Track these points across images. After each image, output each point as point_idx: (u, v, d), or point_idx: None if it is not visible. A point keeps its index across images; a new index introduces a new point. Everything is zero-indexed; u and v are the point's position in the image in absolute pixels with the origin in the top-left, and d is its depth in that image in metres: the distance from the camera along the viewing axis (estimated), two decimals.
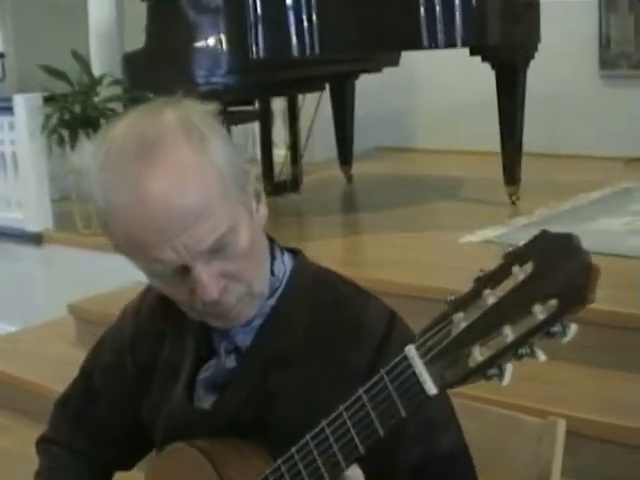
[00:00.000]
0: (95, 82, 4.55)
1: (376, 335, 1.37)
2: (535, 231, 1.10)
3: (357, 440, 1.14)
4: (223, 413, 1.43)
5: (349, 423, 1.15)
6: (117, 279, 4.25)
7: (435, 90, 6.12)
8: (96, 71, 4.73)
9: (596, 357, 2.95)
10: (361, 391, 1.13)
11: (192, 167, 1.26)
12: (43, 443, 1.71)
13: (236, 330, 1.42)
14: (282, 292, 1.43)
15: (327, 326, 1.40)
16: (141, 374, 1.56)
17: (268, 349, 1.42)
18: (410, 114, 6.41)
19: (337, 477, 1.19)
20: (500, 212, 4.31)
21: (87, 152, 1.32)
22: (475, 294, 1.06)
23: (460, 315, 1.07)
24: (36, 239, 4.81)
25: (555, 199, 4.41)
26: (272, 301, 1.42)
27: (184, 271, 1.29)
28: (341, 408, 1.15)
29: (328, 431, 1.17)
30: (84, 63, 4.62)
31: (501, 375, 1.05)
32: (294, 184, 5.09)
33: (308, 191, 5.14)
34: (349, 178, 5.35)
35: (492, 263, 1.13)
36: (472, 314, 1.06)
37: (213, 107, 1.34)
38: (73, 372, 3.98)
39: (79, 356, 4.03)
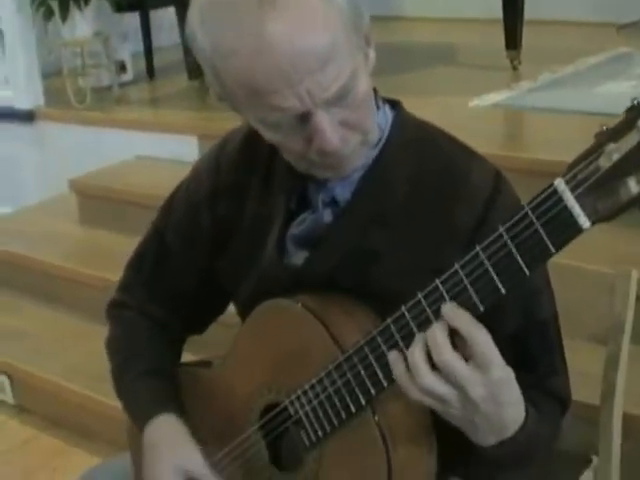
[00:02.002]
0: None
1: (483, 193, 1.33)
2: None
3: (497, 281, 1.10)
4: (317, 270, 1.39)
5: (488, 264, 1.10)
6: (114, 154, 4.19)
7: None
8: None
9: None
10: (502, 229, 1.08)
11: (316, 8, 1.19)
12: (115, 308, 1.66)
13: (335, 182, 1.37)
14: (384, 144, 1.38)
15: (430, 183, 1.36)
16: (221, 230, 1.51)
17: (368, 204, 1.37)
18: None
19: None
20: (502, 77, 4.24)
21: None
22: (629, 123, 1.01)
23: (612, 146, 1.02)
24: (27, 117, 4.67)
25: (555, 64, 4.34)
26: (374, 153, 1.37)
27: (303, 119, 1.23)
28: (478, 248, 1.11)
29: (462, 274, 1.13)
30: None
31: None
32: None
33: None
34: None
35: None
36: (626, 144, 1.01)
37: None
38: (80, 249, 3.99)
39: (84, 233, 4.07)
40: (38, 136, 4.71)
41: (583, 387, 1.58)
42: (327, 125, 1.24)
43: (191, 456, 1.46)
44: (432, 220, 1.34)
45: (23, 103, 4.68)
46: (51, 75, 4.86)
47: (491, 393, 1.15)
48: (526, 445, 1.26)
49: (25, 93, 4.68)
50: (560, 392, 1.42)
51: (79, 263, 3.68)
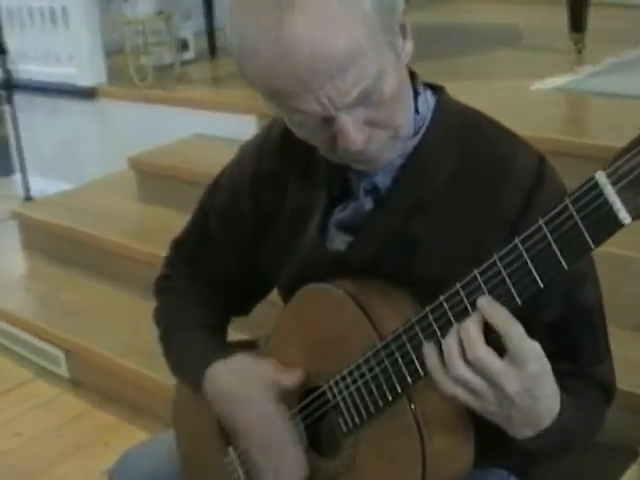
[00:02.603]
0: None
1: (527, 180, 1.30)
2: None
3: (536, 274, 1.08)
4: (359, 255, 1.39)
5: (526, 256, 1.09)
6: (174, 132, 4.20)
7: None
8: None
9: None
10: (541, 222, 1.07)
11: (336, 11, 1.15)
12: (163, 281, 1.69)
13: (376, 170, 1.36)
14: (425, 131, 1.36)
15: (473, 170, 1.34)
16: (262, 216, 1.51)
17: (409, 191, 1.36)
18: None
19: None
20: (566, 60, 4.17)
21: None
22: None
23: None
24: (89, 94, 4.72)
25: (619, 48, 4.26)
26: (415, 140, 1.35)
27: (326, 121, 1.22)
28: (517, 240, 1.09)
29: (500, 265, 1.12)
30: None
31: None
32: None
33: None
34: None
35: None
36: None
37: None
38: (138, 226, 4.03)
39: (142, 210, 4.11)
40: (99, 113, 4.75)
41: (629, 376, 1.57)
42: (350, 127, 1.22)
43: (265, 372, 1.42)
44: (475, 206, 1.32)
45: (86, 80, 4.73)
46: (113, 53, 4.90)
47: (527, 387, 1.13)
48: (564, 434, 1.25)
49: (88, 70, 4.72)
50: (605, 380, 1.40)
51: (137, 240, 3.71)
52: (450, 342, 1.14)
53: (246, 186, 1.53)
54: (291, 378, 1.39)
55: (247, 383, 1.42)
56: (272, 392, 1.40)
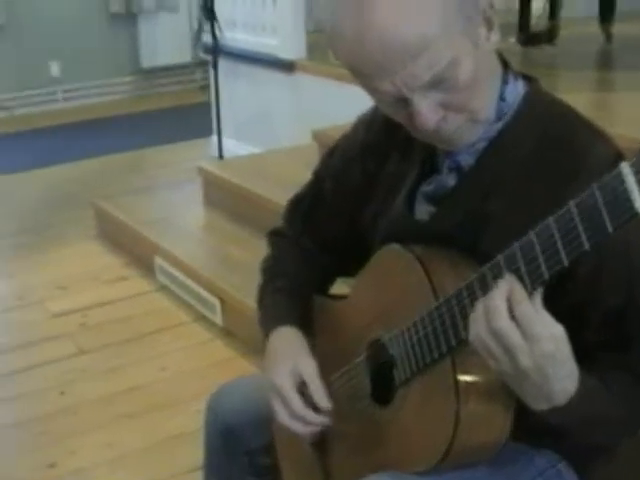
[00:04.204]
0: None
1: (597, 174, 1.35)
2: None
3: (563, 253, 1.16)
4: (439, 226, 1.48)
5: (557, 235, 1.16)
6: (361, 111, 4.31)
7: None
8: None
9: None
10: (572, 204, 1.14)
11: (413, 1, 1.27)
12: (274, 235, 1.84)
13: (460, 150, 1.46)
14: (511, 118, 1.44)
15: (551, 158, 1.40)
16: (367, 183, 1.63)
17: (489, 172, 1.44)
18: None
19: (537, 288, 1.21)
20: None
21: None
22: None
23: None
24: (288, 67, 4.92)
25: None
26: (499, 125, 1.44)
27: (403, 100, 1.34)
28: (550, 219, 1.17)
29: (536, 241, 1.19)
30: None
31: None
32: (550, 36, 4.94)
33: (564, 45, 4.96)
34: (608, 37, 5.10)
35: None
36: None
37: None
38: None
39: None
40: (295, 86, 4.95)
41: None
42: (423, 108, 1.33)
43: (307, 364, 1.60)
44: (547, 195, 1.37)
45: (286, 53, 4.94)
46: (317, 30, 5.08)
47: (539, 365, 1.21)
48: (588, 416, 1.31)
49: (289, 44, 4.93)
50: None
51: None
52: (478, 307, 1.25)
53: (357, 155, 1.65)
54: (317, 394, 1.57)
55: (282, 359, 1.62)
56: (292, 379, 1.58)
